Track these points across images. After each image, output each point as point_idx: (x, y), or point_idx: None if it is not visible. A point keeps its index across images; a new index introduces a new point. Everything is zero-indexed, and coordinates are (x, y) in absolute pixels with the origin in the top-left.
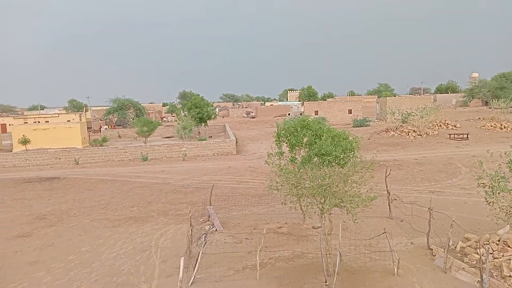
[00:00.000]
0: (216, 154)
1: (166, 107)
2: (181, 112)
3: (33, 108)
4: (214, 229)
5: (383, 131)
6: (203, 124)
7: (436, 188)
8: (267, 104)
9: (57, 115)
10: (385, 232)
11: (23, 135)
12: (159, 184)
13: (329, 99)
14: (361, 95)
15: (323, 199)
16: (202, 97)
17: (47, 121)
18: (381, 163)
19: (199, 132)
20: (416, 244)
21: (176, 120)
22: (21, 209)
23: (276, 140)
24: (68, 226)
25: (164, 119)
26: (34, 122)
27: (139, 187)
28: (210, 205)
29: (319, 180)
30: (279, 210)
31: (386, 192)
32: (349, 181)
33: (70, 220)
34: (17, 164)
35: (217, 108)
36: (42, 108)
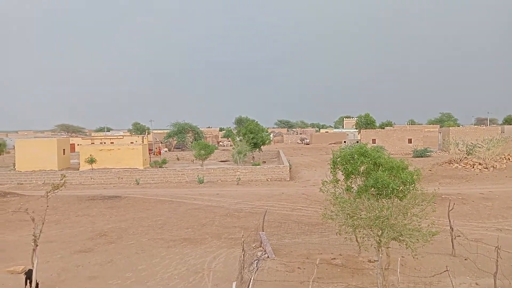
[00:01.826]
0: (269, 180)
1: (223, 131)
2: (236, 137)
3: (100, 129)
4: (266, 255)
5: (445, 162)
6: (257, 149)
7: (505, 225)
8: (322, 131)
9: (122, 137)
10: (447, 270)
11: (90, 155)
12: (213, 207)
13: (387, 127)
14: (421, 124)
15: (380, 231)
16: (257, 122)
17: (112, 142)
18: (443, 196)
19: (253, 157)
20: (482, 285)
21: (231, 145)
22: (85, 225)
23: (331, 167)
24: (127, 244)
25: (220, 143)
26: (100, 143)
27: (194, 209)
28: (263, 231)
29: (377, 211)
30: (333, 240)
31: (449, 227)
32: (409, 214)
33: (129, 238)
34: (83, 182)
35: (272, 134)
36: (108, 130)
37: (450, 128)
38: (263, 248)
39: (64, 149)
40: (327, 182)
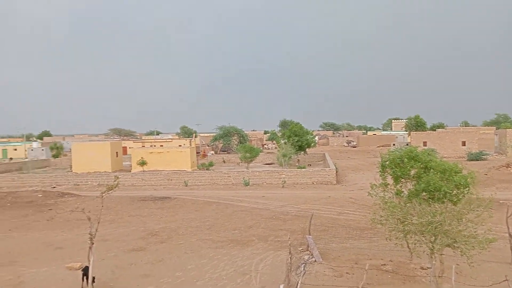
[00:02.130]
0: (315, 183)
1: (267, 134)
2: (281, 139)
3: (150, 133)
4: (313, 259)
5: (503, 166)
6: (302, 152)
7: None
8: (370, 133)
9: (171, 140)
10: (506, 279)
11: (141, 157)
12: (259, 209)
13: (439, 129)
14: (476, 126)
15: (433, 237)
16: (301, 125)
17: (162, 145)
18: (501, 202)
19: (298, 160)
20: None
21: (276, 148)
22: (137, 225)
23: (380, 171)
24: (177, 243)
25: (265, 146)
26: (150, 146)
27: (241, 211)
28: (309, 235)
29: (429, 217)
30: (383, 246)
31: (507, 234)
32: (464, 219)
33: (178, 238)
34: (135, 184)
35: (317, 137)
36: (158, 133)
37: (508, 129)
38: (310, 251)
39: (117, 152)
40: (375, 185)
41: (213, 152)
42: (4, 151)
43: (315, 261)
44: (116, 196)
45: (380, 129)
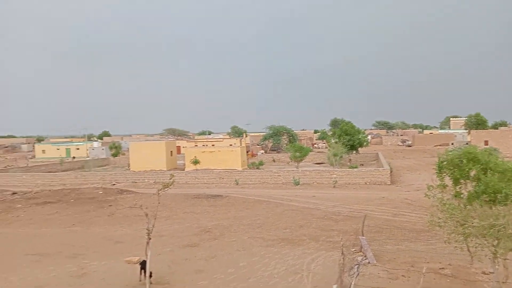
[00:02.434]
0: (368, 183)
1: (317, 134)
2: (332, 139)
3: (202, 133)
4: (367, 261)
5: None
6: (354, 152)
7: None
8: (426, 132)
9: (222, 139)
10: None
11: (194, 156)
12: (310, 209)
13: (502, 127)
14: None
15: (496, 241)
16: (353, 124)
17: (213, 145)
18: None
19: (350, 160)
20: None
21: (327, 147)
22: (191, 221)
23: (437, 172)
24: (229, 241)
25: (315, 145)
26: (203, 145)
27: (291, 210)
28: (363, 236)
29: (491, 219)
30: (441, 249)
31: None
32: None
33: (230, 236)
34: (188, 182)
35: (369, 136)
36: (210, 133)
37: None
38: (363, 253)
39: (171, 151)
40: (433, 187)
41: (263, 151)
42: (68, 151)
43: (369, 262)
44: (171, 193)
45: (437, 127)
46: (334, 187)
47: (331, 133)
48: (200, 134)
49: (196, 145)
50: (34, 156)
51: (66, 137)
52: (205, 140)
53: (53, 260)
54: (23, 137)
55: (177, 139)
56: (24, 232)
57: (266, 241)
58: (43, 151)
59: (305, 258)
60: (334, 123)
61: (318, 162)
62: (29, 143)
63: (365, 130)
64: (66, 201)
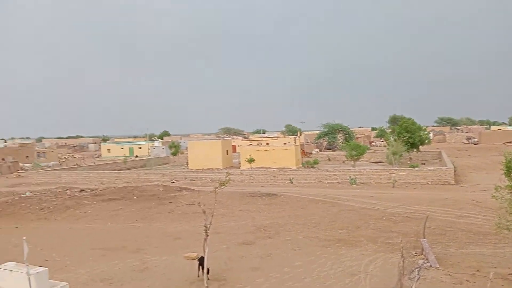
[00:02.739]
0: (430, 183)
1: (375, 131)
2: (391, 136)
3: (257, 131)
4: (429, 264)
5: None
6: (414, 150)
7: None
8: (493, 128)
9: (276, 138)
10: None
11: (249, 155)
12: (367, 209)
13: None
14: None
15: None
16: (414, 120)
17: (268, 143)
18: None
19: (410, 158)
20: None
21: (385, 145)
22: (246, 219)
23: (505, 171)
24: (284, 240)
25: (372, 143)
26: (257, 144)
27: (347, 210)
28: (424, 238)
29: None
30: (510, 253)
31: None
32: None
33: (285, 235)
34: (243, 180)
35: (431, 133)
36: (264, 131)
37: None
38: (424, 256)
39: (227, 150)
40: (500, 187)
41: (317, 149)
42: (131, 150)
43: (431, 266)
44: (227, 191)
45: (506, 123)
46: (393, 187)
47: (389, 130)
48: (254, 133)
49: (251, 144)
50: (100, 155)
51: (129, 137)
52: (259, 138)
53: (117, 255)
54: (90, 137)
55: (233, 138)
56: (90, 227)
57: (322, 241)
58: (108, 151)
59: (363, 259)
60: (393, 120)
61: (376, 161)
62: (95, 143)
63: (426, 127)
64: (130, 198)
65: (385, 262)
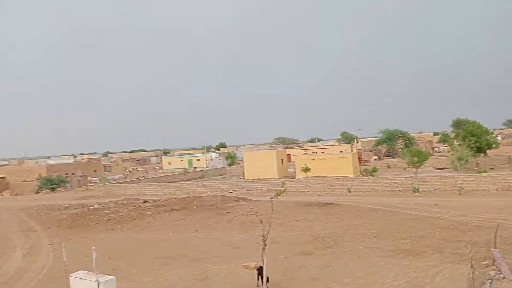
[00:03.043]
0: (500, 189)
1: (437, 136)
2: (455, 141)
3: (311, 140)
4: (502, 275)
5: None
6: (481, 155)
7: None
8: None
9: (331, 146)
10: None
11: (304, 164)
12: (431, 218)
13: None
14: None
15: None
16: (479, 123)
17: (323, 152)
18: None
19: (477, 164)
20: None
21: (449, 151)
22: (304, 229)
23: None
24: (344, 250)
25: (435, 149)
26: (312, 153)
27: (410, 219)
28: (495, 248)
29: None
30: None
31: None
32: None
33: (345, 245)
34: (299, 189)
35: (499, 136)
36: (319, 140)
37: None
38: (497, 266)
39: (282, 159)
40: None
41: (376, 157)
42: (190, 161)
43: (504, 277)
44: (283, 201)
45: None
46: (459, 194)
47: (453, 135)
48: (309, 141)
49: (306, 153)
50: (161, 168)
51: (188, 149)
52: (314, 147)
53: (179, 264)
54: (152, 151)
55: (287, 147)
56: (154, 237)
57: (384, 252)
58: (169, 163)
59: (429, 270)
60: (457, 123)
61: (439, 167)
62: (157, 156)
63: (493, 130)
64: (190, 208)
65: (452, 273)
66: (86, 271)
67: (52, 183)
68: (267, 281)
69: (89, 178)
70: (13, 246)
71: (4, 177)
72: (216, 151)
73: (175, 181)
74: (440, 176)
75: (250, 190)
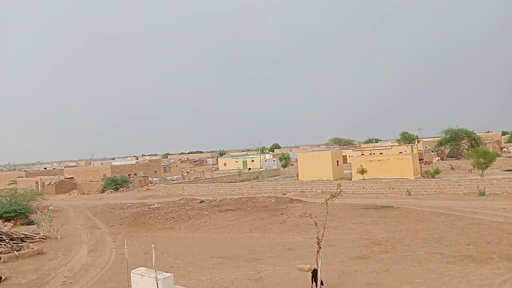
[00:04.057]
0: None
1: (506, 136)
2: None
3: (369, 141)
4: None
5: None
6: None
7: None
8: None
9: (390, 147)
10: None
11: (361, 166)
12: (499, 223)
13: None
14: None
15: None
16: None
17: (381, 153)
18: None
19: None
20: None
21: None
22: (360, 232)
23: None
24: (402, 255)
25: (503, 149)
26: (369, 154)
27: (475, 224)
28: None
29: None
30: None
31: None
32: None
33: (403, 249)
34: (355, 191)
35: None
36: (377, 141)
37: None
38: None
39: (337, 161)
40: None
41: (438, 158)
42: (244, 163)
43: None
44: (339, 203)
45: None
46: None
47: None
48: (366, 142)
49: (363, 154)
50: (217, 169)
51: (242, 151)
52: (372, 148)
53: (234, 263)
54: (209, 152)
55: (343, 148)
56: (209, 236)
57: (446, 257)
58: (225, 164)
59: (495, 278)
60: None
61: (508, 168)
62: (213, 157)
63: None
64: (244, 208)
65: None
66: (145, 268)
67: (115, 183)
68: (322, 283)
69: (149, 178)
70: (80, 242)
71: (72, 177)
72: (271, 152)
73: (230, 182)
74: (509, 178)
75: (304, 192)
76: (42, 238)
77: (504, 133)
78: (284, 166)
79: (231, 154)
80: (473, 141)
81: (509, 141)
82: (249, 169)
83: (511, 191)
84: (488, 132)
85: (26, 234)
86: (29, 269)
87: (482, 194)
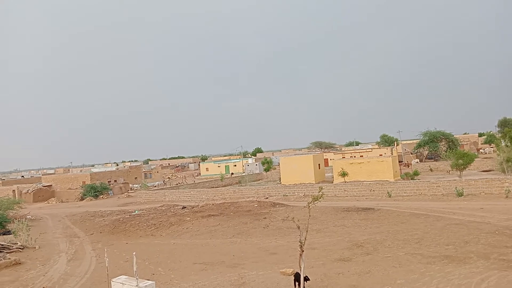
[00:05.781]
0: None
1: (483, 137)
2: (502, 141)
3: (350, 144)
4: None
5: None
6: None
7: None
8: None
9: (370, 150)
10: None
11: (342, 169)
12: (477, 223)
13: None
14: None
15: None
16: None
17: (362, 156)
18: None
19: None
20: None
21: (495, 151)
22: (342, 235)
23: None
24: (383, 256)
25: (480, 150)
26: (350, 156)
27: (454, 225)
28: None
29: None
30: None
31: None
32: None
33: (384, 251)
34: (337, 194)
35: None
36: (357, 143)
37: None
38: None
39: (319, 164)
40: None
41: (417, 160)
42: (227, 167)
43: None
44: (321, 206)
45: None
46: (506, 197)
47: (500, 135)
48: (347, 145)
49: (344, 157)
50: (199, 174)
51: (225, 155)
52: (352, 151)
53: (217, 269)
54: (190, 157)
55: (324, 152)
56: (192, 242)
57: (426, 258)
58: (207, 169)
59: (473, 277)
60: (503, 123)
61: (485, 169)
62: (195, 162)
63: None
64: (227, 214)
65: (499, 280)
66: (127, 276)
67: (95, 191)
68: (307, 280)
69: (130, 185)
70: (58, 251)
71: (51, 185)
72: (253, 156)
73: (213, 187)
74: (486, 178)
75: (287, 196)
76: (20, 248)
77: (480, 135)
78: (267, 170)
79: (213, 159)
80: (451, 143)
81: (485, 143)
82: (232, 174)
83: (489, 192)
84: (465, 133)
85: (2, 244)
86: (6, 280)
87: (460, 194)
